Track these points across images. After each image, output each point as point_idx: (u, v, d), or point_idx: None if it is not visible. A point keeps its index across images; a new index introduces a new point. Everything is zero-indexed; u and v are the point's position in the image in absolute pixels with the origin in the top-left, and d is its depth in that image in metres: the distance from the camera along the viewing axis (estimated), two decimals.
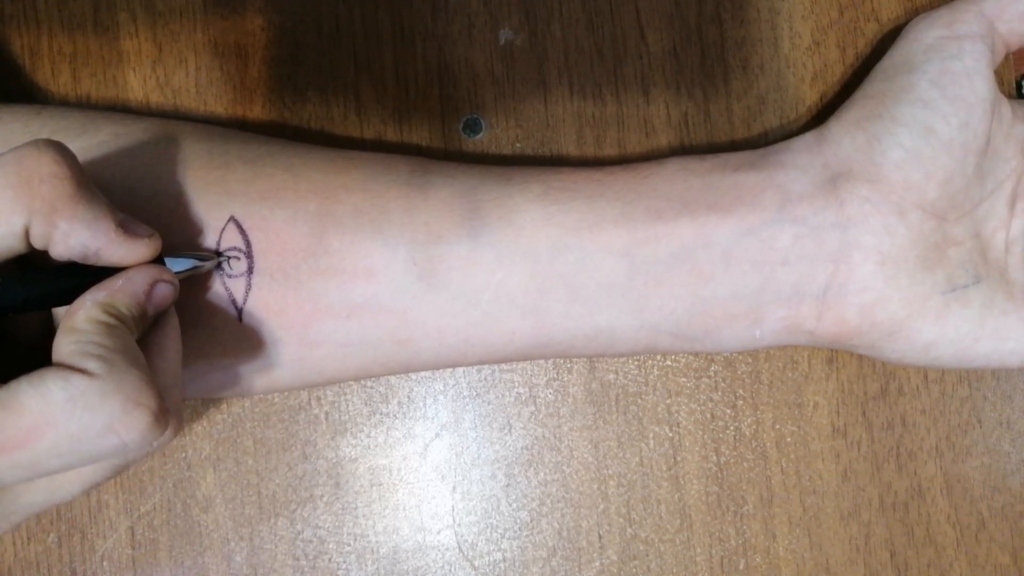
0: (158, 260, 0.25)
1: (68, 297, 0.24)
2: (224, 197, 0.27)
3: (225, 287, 0.28)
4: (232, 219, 0.27)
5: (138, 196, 0.27)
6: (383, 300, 0.28)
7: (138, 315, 0.24)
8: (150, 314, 0.24)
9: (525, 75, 0.33)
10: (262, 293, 0.27)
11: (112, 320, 0.23)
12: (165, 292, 0.25)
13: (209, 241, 0.27)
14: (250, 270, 0.27)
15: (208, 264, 0.27)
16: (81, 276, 0.24)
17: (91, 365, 0.21)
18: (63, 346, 0.22)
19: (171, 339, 0.25)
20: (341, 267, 0.28)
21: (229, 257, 0.27)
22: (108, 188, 0.26)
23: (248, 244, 0.27)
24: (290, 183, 0.28)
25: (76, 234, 0.23)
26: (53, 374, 0.21)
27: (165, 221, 0.27)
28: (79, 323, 0.22)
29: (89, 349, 0.22)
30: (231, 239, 0.27)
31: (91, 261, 0.24)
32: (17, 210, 0.22)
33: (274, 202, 0.28)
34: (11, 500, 0.24)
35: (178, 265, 0.26)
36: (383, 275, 0.28)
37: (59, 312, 0.27)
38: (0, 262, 0.23)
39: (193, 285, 0.27)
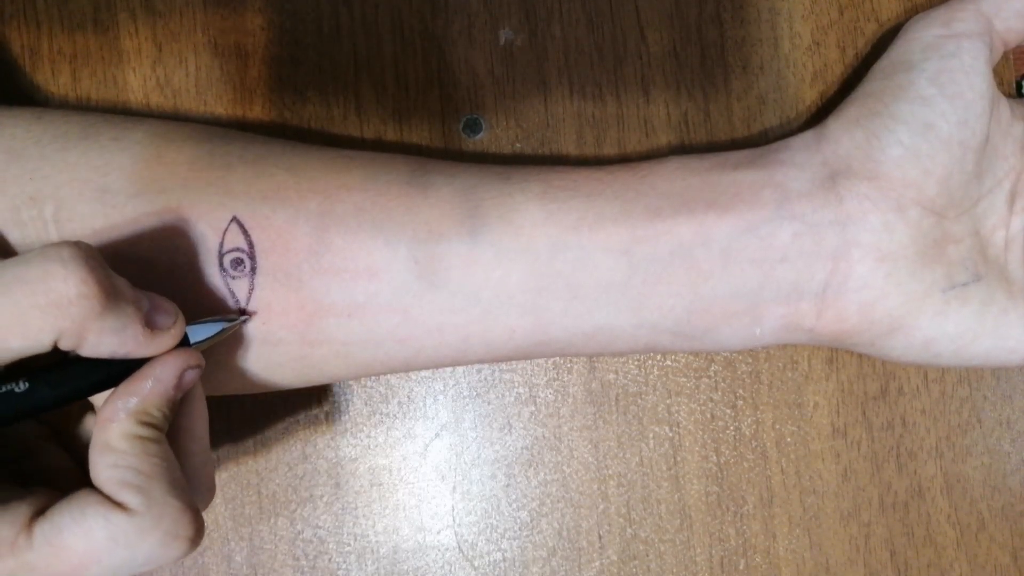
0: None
1: (97, 388, 0.24)
2: (226, 197, 0.27)
3: (228, 288, 0.28)
4: (235, 219, 0.27)
5: (140, 200, 0.27)
6: (384, 298, 0.28)
7: (169, 411, 0.24)
8: (178, 399, 0.25)
9: (525, 75, 0.33)
10: (264, 293, 0.28)
11: (146, 431, 0.23)
12: (193, 377, 0.25)
13: (212, 241, 0.27)
14: (253, 270, 0.27)
15: (232, 326, 0.27)
16: (108, 367, 0.24)
17: (130, 499, 0.22)
18: (101, 469, 0.23)
19: (199, 418, 0.26)
20: (343, 266, 0.28)
21: (252, 314, 0.27)
22: (110, 193, 0.27)
23: (251, 244, 0.27)
24: (291, 183, 0.28)
25: (105, 344, 0.23)
26: (94, 511, 0.22)
27: (168, 223, 0.27)
28: (114, 441, 0.23)
29: (127, 477, 0.23)
30: (233, 239, 0.27)
31: (119, 357, 0.24)
32: (46, 329, 0.22)
33: (276, 202, 0.28)
34: None
35: (203, 332, 0.26)
36: (384, 274, 0.28)
37: None
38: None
39: (196, 287, 0.27)
